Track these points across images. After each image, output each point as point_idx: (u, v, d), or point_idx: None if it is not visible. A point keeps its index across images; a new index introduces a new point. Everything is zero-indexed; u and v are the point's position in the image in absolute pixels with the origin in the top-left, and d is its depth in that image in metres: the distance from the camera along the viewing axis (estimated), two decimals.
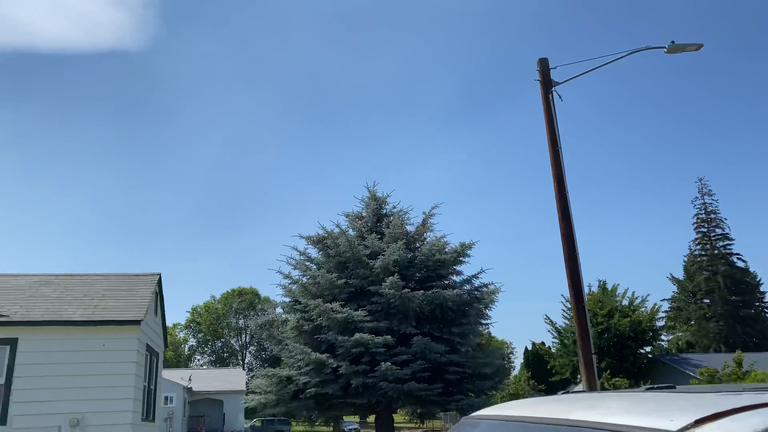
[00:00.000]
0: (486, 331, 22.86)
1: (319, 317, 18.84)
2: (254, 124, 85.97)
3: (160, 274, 15.68)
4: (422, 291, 18.72)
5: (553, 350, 38.70)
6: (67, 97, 72.11)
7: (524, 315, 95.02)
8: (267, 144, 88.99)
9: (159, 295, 16.07)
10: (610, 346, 31.57)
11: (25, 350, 11.89)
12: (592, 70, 9.69)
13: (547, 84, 10.06)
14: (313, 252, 21.46)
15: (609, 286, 34.24)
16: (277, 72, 76.80)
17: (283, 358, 20.91)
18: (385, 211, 22.31)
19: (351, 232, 21.51)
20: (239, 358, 69.64)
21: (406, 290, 18.42)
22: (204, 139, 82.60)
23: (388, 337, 17.85)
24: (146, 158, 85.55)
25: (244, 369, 61.35)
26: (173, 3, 68.20)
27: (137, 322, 12.30)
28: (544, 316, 44.19)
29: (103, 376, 12.01)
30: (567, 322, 33.45)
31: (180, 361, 66.35)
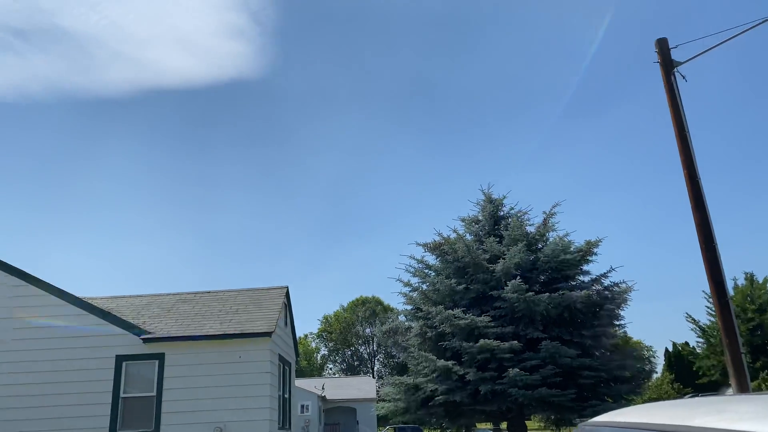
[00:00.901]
0: (620, 332, 21.58)
1: (442, 324, 18.74)
2: (368, 136, 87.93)
3: (287, 287, 16.35)
4: (548, 294, 18.05)
5: (698, 350, 35.89)
6: (197, 127, 77.71)
7: (662, 314, 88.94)
8: (382, 154, 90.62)
9: (288, 307, 16.76)
10: (766, 344, 28.72)
11: (171, 364, 12.85)
12: (717, 45, 8.87)
13: (668, 65, 9.36)
14: (431, 259, 21.42)
15: (759, 279, 31.18)
16: (387, 83, 78.05)
17: (409, 366, 21.03)
18: (502, 213, 21.82)
19: (468, 236, 21.24)
20: (368, 366, 71.13)
21: (531, 293, 17.85)
22: (323, 155, 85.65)
23: (515, 342, 17.37)
24: (271, 177, 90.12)
25: (373, 377, 62.51)
26: (287, 29, 71.54)
27: (268, 334, 12.88)
28: (686, 315, 41.23)
29: (241, 387, 12.68)
30: (711, 319, 30.90)
31: (313, 369, 68.92)
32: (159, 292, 16.71)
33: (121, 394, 12.74)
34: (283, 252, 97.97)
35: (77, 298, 13.66)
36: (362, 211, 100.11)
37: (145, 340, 12.86)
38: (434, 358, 18.37)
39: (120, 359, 12.94)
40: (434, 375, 18.66)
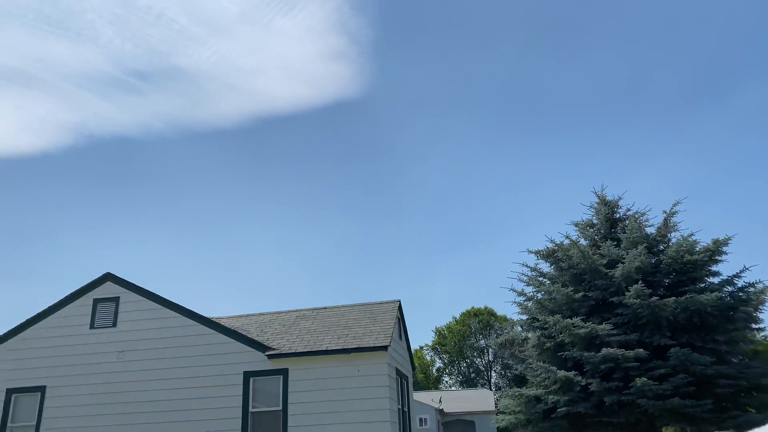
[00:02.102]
0: (760, 336, 19.83)
1: (560, 333, 18.14)
2: (470, 143, 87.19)
3: (399, 301, 16.54)
4: (673, 297, 16.99)
5: None
6: (302, 149, 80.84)
7: None
8: (485, 161, 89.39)
9: (401, 320, 16.94)
10: None
11: (294, 379, 13.38)
12: None
13: None
14: (544, 266, 20.83)
15: None
16: (486, 87, 77.17)
17: (528, 377, 20.50)
18: (618, 216, 20.85)
19: (582, 241, 20.47)
20: (485, 377, 70.08)
21: (655, 298, 16.88)
22: (424, 166, 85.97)
23: (640, 350, 16.46)
24: (376, 192, 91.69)
25: (491, 389, 61.42)
26: (384, 46, 72.96)
27: (385, 348, 13.08)
28: None
29: (362, 401, 12.96)
30: None
31: (429, 382, 68.90)
32: (278, 309, 17.50)
33: (250, 409, 13.42)
34: (391, 265, 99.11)
35: (206, 318, 14.60)
36: (468, 220, 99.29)
37: (270, 356, 13.49)
38: (554, 368, 17.80)
39: (247, 375, 13.65)
40: (555, 386, 18.07)
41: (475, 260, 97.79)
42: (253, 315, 17.41)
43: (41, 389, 14.40)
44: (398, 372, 14.92)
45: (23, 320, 15.20)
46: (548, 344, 19.03)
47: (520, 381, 48.44)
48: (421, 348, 72.84)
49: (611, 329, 17.24)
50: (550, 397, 18.13)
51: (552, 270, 20.42)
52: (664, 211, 19.81)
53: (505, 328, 61.29)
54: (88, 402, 14.06)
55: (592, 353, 16.98)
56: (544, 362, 18.76)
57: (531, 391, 19.17)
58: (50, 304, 15.21)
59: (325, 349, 13.37)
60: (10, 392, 14.53)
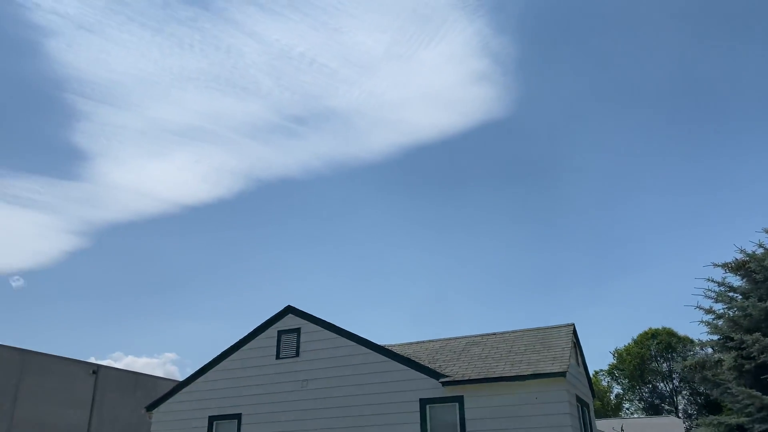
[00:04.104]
0: None
1: (761, 354, 16.18)
2: (630, 150, 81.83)
3: (573, 324, 15.85)
4: None
5: None
6: (452, 175, 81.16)
7: None
8: (655, 167, 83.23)
9: (576, 344, 16.18)
10: None
11: (470, 406, 13.26)
12: None
13: None
14: (734, 280, 18.78)
15: None
16: (643, 88, 72.32)
17: (725, 404, 18.48)
18: None
19: None
20: (671, 404, 64.30)
21: None
22: (584, 179, 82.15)
23: None
24: (533, 211, 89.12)
25: (678, 416, 56.23)
26: (528, 62, 71.71)
27: (563, 374, 12.56)
28: None
29: (541, 429, 12.48)
30: None
31: (607, 410, 64.67)
32: (442, 336, 17.56)
33: None
34: (557, 287, 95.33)
35: (380, 346, 15.04)
36: (635, 233, 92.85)
37: (445, 383, 13.53)
38: (759, 394, 15.88)
39: (423, 402, 13.78)
40: (760, 414, 16.09)
41: (647, 277, 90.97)
42: (423, 342, 17.62)
43: (237, 417, 15.67)
44: (578, 399, 14.21)
45: (219, 353, 16.73)
46: (747, 366, 17.04)
47: (713, 407, 43.93)
48: (597, 373, 68.79)
49: None
50: (756, 425, 16.16)
51: (744, 283, 18.38)
52: None
53: (691, 350, 56.12)
54: (279, 429, 15.02)
55: None
56: (744, 386, 16.82)
57: (732, 419, 17.24)
58: (239, 337, 16.63)
59: (500, 375, 13.13)
60: (212, 419, 15.99)
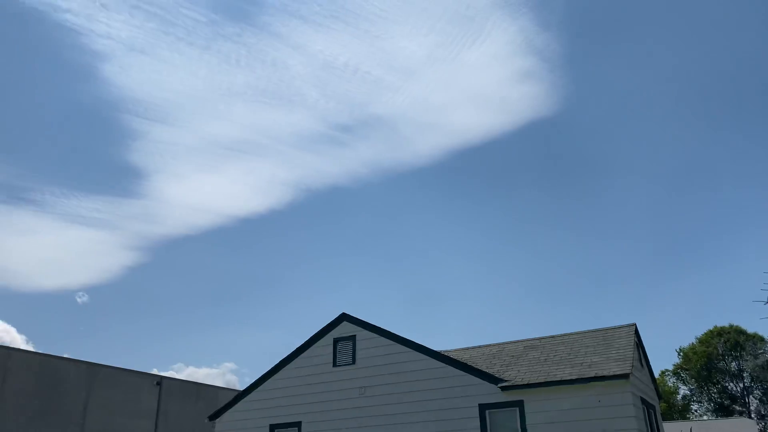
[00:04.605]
0: None
1: None
2: (691, 139, 78.86)
3: (635, 324, 15.37)
4: None
5: None
6: (501, 175, 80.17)
7: None
8: (715, 160, 80.00)
9: (639, 345, 15.68)
10: None
11: (531, 411, 13.00)
12: None
13: None
14: None
15: None
16: (702, 75, 69.54)
17: None
18: None
19: None
20: (743, 404, 61.55)
21: None
22: (638, 174, 79.73)
23: None
24: (587, 209, 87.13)
25: (751, 417, 53.75)
26: (575, 57, 70.27)
27: (626, 376, 12.16)
28: None
29: None
30: None
31: (674, 412, 62.42)
32: (497, 341, 17.30)
33: None
34: (613, 287, 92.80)
35: (435, 351, 14.92)
36: (698, 228, 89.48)
37: (504, 388, 13.30)
38: None
39: (482, 408, 13.58)
40: None
41: (712, 274, 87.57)
42: (479, 347, 17.41)
43: (297, 424, 15.81)
44: (644, 401, 13.74)
45: (276, 362, 16.96)
46: None
47: None
48: (662, 374, 66.52)
49: None
50: None
51: None
52: None
53: (761, 348, 53.70)
54: None
55: None
56: None
57: None
58: (296, 346, 16.81)
59: (560, 379, 12.82)
60: (272, 427, 16.19)
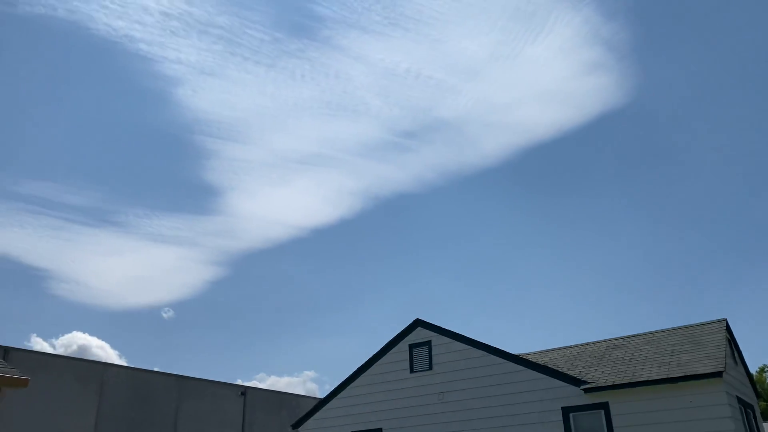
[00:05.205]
0: None
1: None
2: None
3: (725, 320, 14.56)
4: None
5: None
6: (571, 171, 77.91)
7: None
8: None
9: (731, 341, 14.84)
10: None
11: (617, 413, 12.52)
12: None
13: None
14: None
15: None
16: None
17: None
18: None
19: None
20: None
21: None
22: (717, 163, 75.59)
23: None
24: (664, 202, 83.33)
25: None
26: (643, 46, 67.52)
27: (719, 374, 11.52)
28: None
29: None
30: None
31: None
32: (578, 342, 16.77)
33: None
34: (700, 280, 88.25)
35: (514, 355, 14.64)
36: None
37: (587, 390, 12.88)
38: None
39: (566, 411, 13.20)
40: None
41: None
42: (559, 349, 16.95)
43: (378, 431, 15.88)
44: (740, 400, 12.96)
45: (353, 369, 17.11)
46: None
47: None
48: (761, 370, 62.61)
49: None
50: None
51: None
52: None
53: None
54: None
55: None
56: None
57: None
58: (372, 352, 16.90)
59: (647, 379, 12.29)
60: None
